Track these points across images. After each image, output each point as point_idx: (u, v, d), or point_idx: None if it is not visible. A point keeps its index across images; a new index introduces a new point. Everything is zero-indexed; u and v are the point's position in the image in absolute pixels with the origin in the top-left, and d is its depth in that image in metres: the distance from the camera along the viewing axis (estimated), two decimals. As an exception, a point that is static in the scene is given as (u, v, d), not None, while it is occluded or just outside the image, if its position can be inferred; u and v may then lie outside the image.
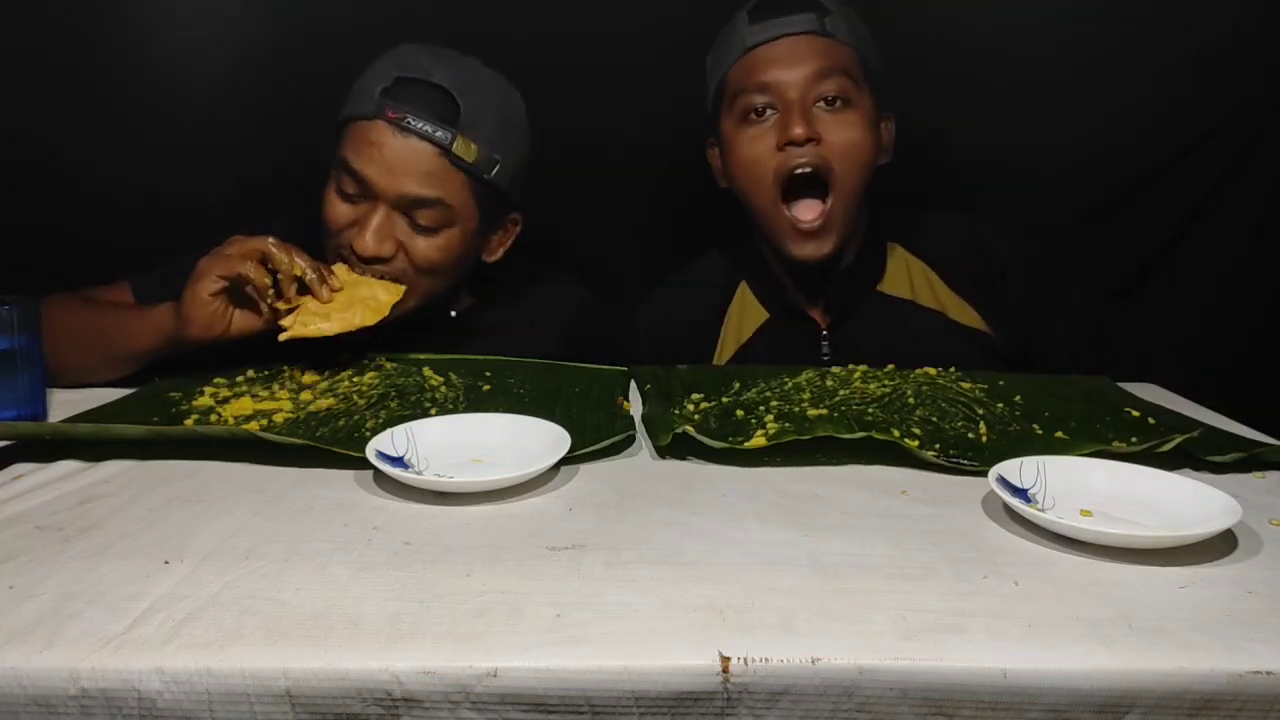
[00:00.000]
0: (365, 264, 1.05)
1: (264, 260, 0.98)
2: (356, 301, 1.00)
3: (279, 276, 0.98)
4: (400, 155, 1.02)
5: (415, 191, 1.03)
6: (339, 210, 1.06)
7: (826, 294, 1.18)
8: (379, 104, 1.02)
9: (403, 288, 1.04)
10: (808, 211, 1.10)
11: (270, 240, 0.98)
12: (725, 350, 1.22)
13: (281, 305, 0.99)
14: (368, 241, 1.03)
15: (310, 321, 0.97)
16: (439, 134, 1.02)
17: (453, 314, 1.19)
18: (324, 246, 1.09)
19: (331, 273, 1.01)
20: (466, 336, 1.17)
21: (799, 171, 1.08)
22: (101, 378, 1.03)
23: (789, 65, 1.08)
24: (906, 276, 1.18)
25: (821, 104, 1.09)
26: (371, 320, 0.99)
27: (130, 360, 1.03)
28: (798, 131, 1.06)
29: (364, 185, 1.03)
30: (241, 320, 0.99)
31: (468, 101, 1.03)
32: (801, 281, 1.19)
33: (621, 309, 1.29)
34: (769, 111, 1.10)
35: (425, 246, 1.06)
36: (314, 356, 1.03)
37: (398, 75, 1.03)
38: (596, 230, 1.44)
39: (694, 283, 1.26)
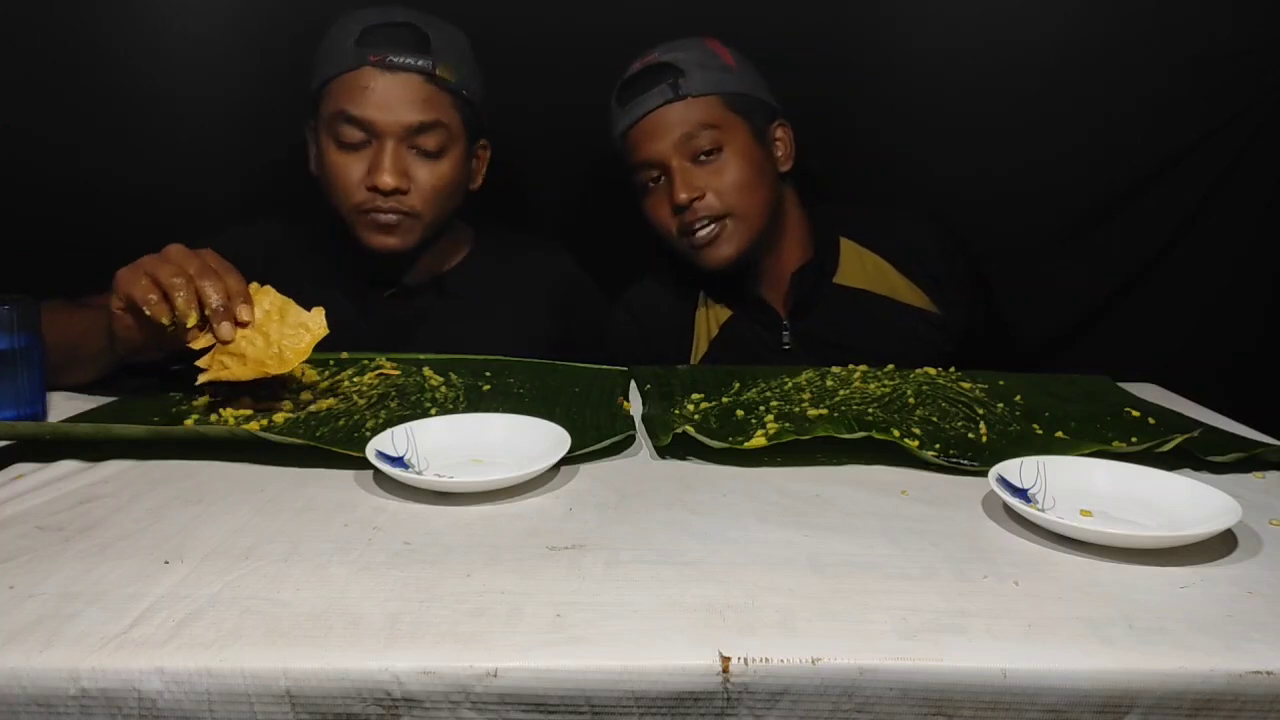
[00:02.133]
0: (387, 198, 1.09)
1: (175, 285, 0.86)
2: (277, 338, 0.87)
3: (177, 309, 0.85)
4: (394, 90, 1.09)
5: (417, 118, 1.09)
6: (345, 163, 1.11)
7: (784, 289, 1.24)
8: (358, 54, 1.09)
9: (325, 330, 0.89)
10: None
11: (197, 262, 0.87)
12: (699, 348, 1.26)
13: (198, 341, 0.86)
14: (387, 177, 1.08)
15: (227, 363, 0.85)
16: (421, 62, 1.09)
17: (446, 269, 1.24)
18: (329, 230, 1.14)
19: (247, 303, 0.88)
20: (454, 296, 1.22)
21: (700, 229, 1.15)
22: (70, 379, 0.98)
23: (657, 139, 1.16)
24: (860, 267, 1.25)
25: (701, 157, 1.15)
26: (291, 364, 0.86)
27: (91, 361, 0.97)
28: (682, 197, 1.14)
29: (367, 127, 1.09)
30: (154, 340, 0.90)
31: (434, 32, 1.11)
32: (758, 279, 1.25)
33: (605, 292, 1.32)
34: (661, 178, 1.18)
35: (431, 174, 1.12)
36: (312, 358, 1.02)
37: (364, 26, 1.10)
38: (582, 227, 1.44)
39: (662, 286, 1.30)
